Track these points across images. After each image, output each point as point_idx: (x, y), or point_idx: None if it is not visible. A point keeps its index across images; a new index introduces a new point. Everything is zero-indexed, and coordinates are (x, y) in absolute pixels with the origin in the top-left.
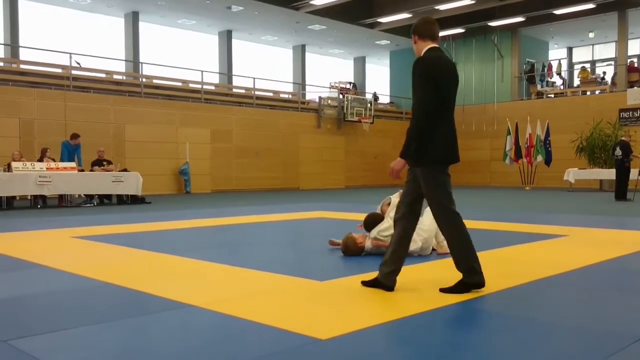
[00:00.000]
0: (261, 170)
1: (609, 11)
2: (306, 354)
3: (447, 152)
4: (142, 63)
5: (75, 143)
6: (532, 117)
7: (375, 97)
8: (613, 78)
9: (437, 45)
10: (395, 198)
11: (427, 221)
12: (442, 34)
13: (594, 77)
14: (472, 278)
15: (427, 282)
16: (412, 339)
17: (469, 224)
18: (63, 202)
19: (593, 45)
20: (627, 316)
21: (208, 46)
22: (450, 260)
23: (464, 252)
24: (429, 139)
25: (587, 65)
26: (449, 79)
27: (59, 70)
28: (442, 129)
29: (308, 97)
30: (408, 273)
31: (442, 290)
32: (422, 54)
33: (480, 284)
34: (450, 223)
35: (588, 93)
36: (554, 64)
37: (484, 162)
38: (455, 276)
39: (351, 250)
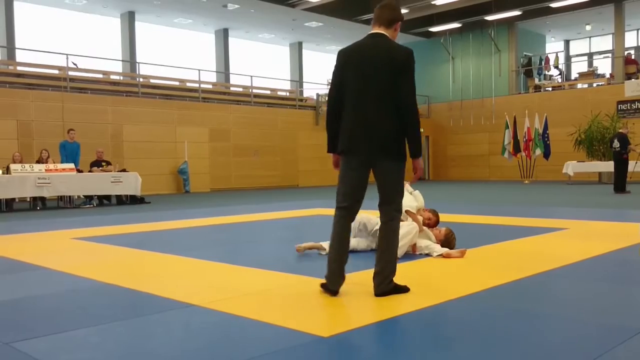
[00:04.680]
0: (260, 168)
1: (605, 3)
2: (308, 352)
3: (343, 142)
4: (138, 63)
5: (72, 138)
6: (530, 110)
7: None
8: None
9: (375, 31)
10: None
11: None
12: (438, 29)
13: (591, 69)
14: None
15: (426, 279)
16: (413, 335)
17: (468, 219)
18: (63, 203)
19: (590, 37)
20: (629, 308)
21: (205, 45)
22: (448, 258)
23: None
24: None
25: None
26: (349, 65)
27: (56, 72)
28: (344, 118)
29: (305, 94)
30: (407, 271)
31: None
32: None
33: (327, 289)
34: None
35: (586, 86)
36: (551, 57)
37: (482, 156)
38: (455, 273)
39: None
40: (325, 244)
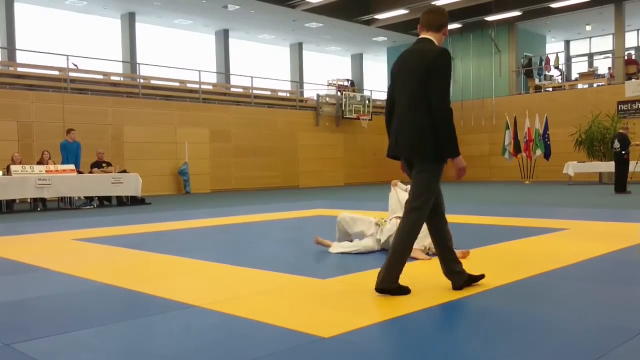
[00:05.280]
0: (260, 169)
1: (606, 4)
2: (309, 353)
3: (388, 147)
4: (139, 64)
5: (72, 138)
6: (531, 111)
7: None
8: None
9: (422, 36)
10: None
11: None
12: None
13: (591, 69)
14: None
15: (427, 279)
16: (414, 336)
17: (469, 219)
18: (63, 204)
19: (590, 38)
20: (630, 309)
21: (205, 46)
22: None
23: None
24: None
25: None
26: (394, 75)
27: (57, 73)
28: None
29: (306, 95)
30: (408, 271)
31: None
32: None
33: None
34: None
35: (586, 86)
36: (552, 58)
37: (483, 156)
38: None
39: None
40: (334, 244)
